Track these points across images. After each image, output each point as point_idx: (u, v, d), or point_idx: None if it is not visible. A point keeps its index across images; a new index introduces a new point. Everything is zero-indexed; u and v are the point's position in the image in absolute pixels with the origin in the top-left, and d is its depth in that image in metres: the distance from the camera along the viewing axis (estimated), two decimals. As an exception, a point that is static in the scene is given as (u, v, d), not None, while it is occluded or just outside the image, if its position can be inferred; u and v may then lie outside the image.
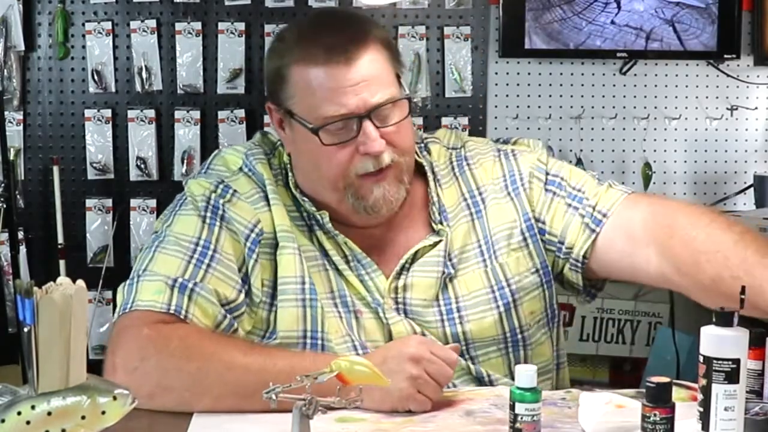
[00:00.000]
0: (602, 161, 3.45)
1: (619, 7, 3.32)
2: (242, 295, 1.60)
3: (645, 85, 3.45)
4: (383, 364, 1.43)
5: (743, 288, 1.33)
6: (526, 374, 1.31)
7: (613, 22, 3.32)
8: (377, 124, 1.61)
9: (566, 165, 1.77)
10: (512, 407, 1.30)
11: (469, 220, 1.72)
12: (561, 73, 3.42)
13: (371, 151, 1.61)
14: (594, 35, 3.32)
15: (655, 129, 3.46)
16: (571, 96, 3.43)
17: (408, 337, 1.59)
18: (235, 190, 1.67)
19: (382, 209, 1.65)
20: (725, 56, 3.37)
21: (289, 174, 1.71)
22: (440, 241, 1.70)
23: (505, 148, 1.78)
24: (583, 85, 3.43)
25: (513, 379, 1.52)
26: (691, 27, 3.35)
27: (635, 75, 3.43)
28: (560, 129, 3.42)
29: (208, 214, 1.65)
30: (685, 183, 3.50)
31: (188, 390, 1.47)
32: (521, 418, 1.30)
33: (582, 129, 3.43)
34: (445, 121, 3.34)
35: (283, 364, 1.48)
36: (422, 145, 1.78)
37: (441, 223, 1.71)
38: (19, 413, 1.01)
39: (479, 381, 1.66)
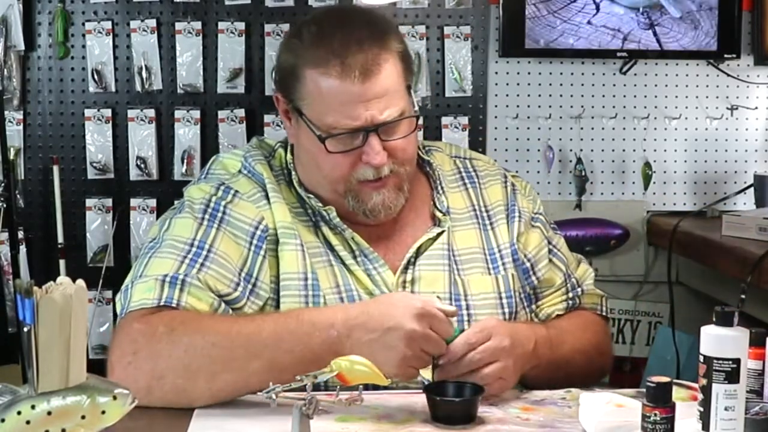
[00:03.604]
0: (602, 161, 3.45)
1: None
2: (237, 293, 1.61)
3: (645, 85, 3.45)
4: (383, 335, 1.45)
5: (743, 287, 1.33)
6: None
7: (613, 22, 3.32)
8: (383, 137, 1.64)
9: (560, 237, 1.90)
10: None
11: (476, 228, 1.79)
12: (561, 73, 3.41)
13: (373, 163, 1.65)
14: (594, 35, 3.32)
15: (655, 129, 3.46)
16: (571, 96, 3.42)
17: (409, 303, 1.49)
18: (236, 191, 1.69)
19: (380, 214, 1.70)
20: (725, 56, 3.36)
21: (293, 173, 1.74)
22: (442, 232, 1.74)
23: (511, 179, 1.86)
24: (583, 85, 3.43)
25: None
26: (691, 27, 3.34)
27: (635, 75, 3.43)
28: (560, 129, 3.42)
29: (206, 217, 1.66)
30: (685, 183, 3.49)
31: (180, 376, 1.47)
32: None
33: (582, 129, 3.43)
34: (445, 120, 3.33)
35: (269, 328, 1.49)
36: (424, 150, 1.84)
37: (444, 214, 1.76)
38: (19, 413, 1.01)
39: None
